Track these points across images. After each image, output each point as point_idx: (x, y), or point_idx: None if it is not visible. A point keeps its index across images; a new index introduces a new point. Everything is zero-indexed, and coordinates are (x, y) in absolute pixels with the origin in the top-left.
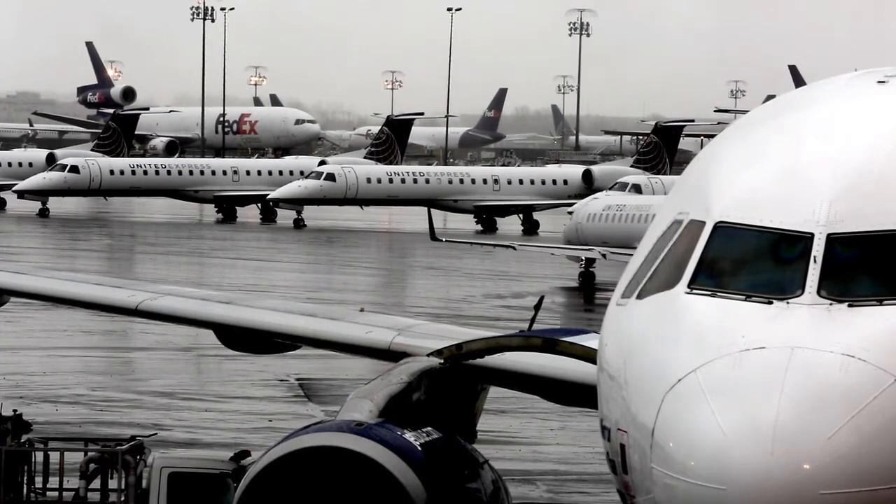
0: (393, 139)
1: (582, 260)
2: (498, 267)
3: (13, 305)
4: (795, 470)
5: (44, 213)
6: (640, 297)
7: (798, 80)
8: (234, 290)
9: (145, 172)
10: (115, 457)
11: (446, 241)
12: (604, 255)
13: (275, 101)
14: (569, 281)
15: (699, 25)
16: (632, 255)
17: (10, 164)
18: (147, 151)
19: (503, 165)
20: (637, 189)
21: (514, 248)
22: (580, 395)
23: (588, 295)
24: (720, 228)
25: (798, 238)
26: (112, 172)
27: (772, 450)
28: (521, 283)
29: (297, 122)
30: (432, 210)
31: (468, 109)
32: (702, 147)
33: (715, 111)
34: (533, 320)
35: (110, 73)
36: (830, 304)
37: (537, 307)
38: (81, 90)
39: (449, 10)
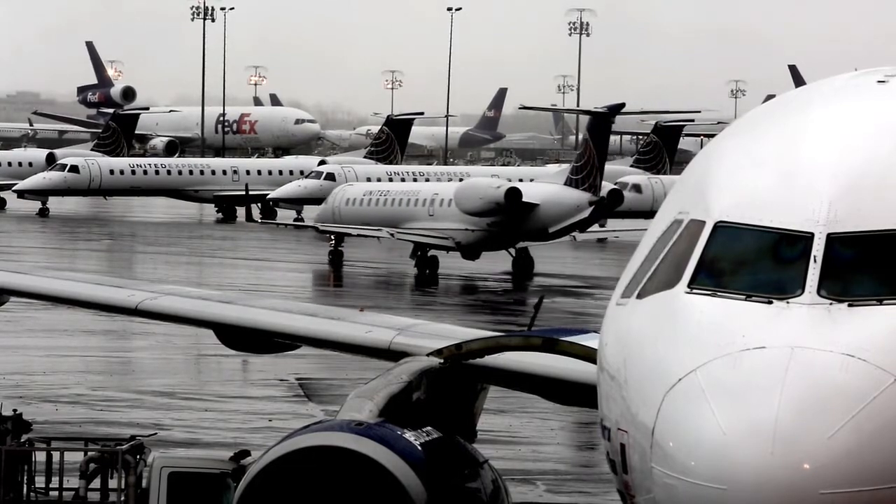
0: (393, 139)
1: (332, 238)
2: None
3: (13, 305)
4: (795, 470)
5: (44, 212)
6: (640, 296)
7: (798, 80)
8: (234, 289)
9: (145, 172)
10: (116, 457)
11: (261, 222)
12: (391, 235)
13: (275, 100)
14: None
15: (699, 25)
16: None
17: (10, 164)
18: (147, 151)
19: (503, 165)
20: (637, 189)
21: (317, 229)
22: (580, 395)
23: (337, 270)
24: (720, 228)
25: (798, 238)
26: (112, 172)
27: (772, 449)
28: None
29: (297, 121)
30: None
31: (468, 109)
32: (702, 147)
33: (519, 108)
34: (533, 320)
35: (110, 72)
36: (830, 303)
37: (537, 307)
38: (81, 90)
39: (449, 10)
